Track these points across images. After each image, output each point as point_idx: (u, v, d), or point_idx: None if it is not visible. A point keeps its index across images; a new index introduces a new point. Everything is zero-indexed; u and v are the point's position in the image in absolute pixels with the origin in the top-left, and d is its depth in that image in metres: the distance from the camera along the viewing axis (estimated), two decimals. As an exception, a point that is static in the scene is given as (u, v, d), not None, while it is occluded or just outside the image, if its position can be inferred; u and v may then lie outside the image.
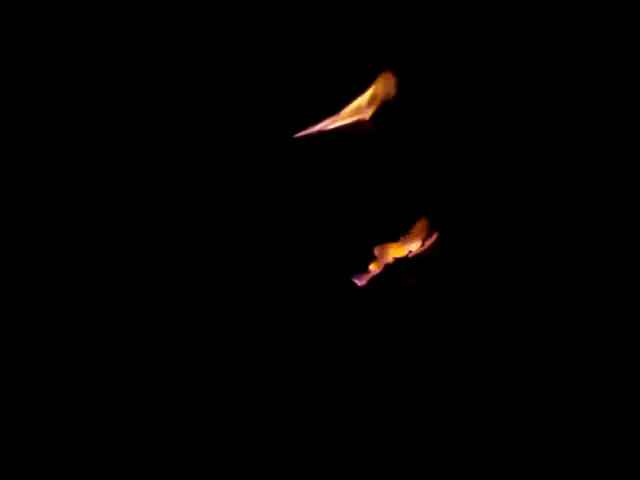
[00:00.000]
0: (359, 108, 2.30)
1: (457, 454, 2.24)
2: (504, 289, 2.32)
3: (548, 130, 2.35)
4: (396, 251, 2.31)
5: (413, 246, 2.31)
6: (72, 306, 2.31)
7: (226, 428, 2.27)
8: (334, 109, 2.31)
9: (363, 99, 2.30)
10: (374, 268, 2.30)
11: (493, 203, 2.35)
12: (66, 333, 2.29)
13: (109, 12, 2.33)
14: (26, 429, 2.24)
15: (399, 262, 2.30)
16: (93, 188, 2.33)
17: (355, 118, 2.31)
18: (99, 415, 2.26)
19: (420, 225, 2.31)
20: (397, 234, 2.31)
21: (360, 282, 2.30)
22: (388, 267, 2.30)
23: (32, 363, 2.28)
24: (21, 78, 2.33)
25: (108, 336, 2.30)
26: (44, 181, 2.33)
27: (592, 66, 2.34)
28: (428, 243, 2.31)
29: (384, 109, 2.31)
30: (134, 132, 2.36)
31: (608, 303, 2.29)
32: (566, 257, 2.33)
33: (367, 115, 2.31)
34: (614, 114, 2.33)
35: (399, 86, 2.31)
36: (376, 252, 2.30)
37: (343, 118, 2.31)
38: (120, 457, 2.24)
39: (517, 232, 2.34)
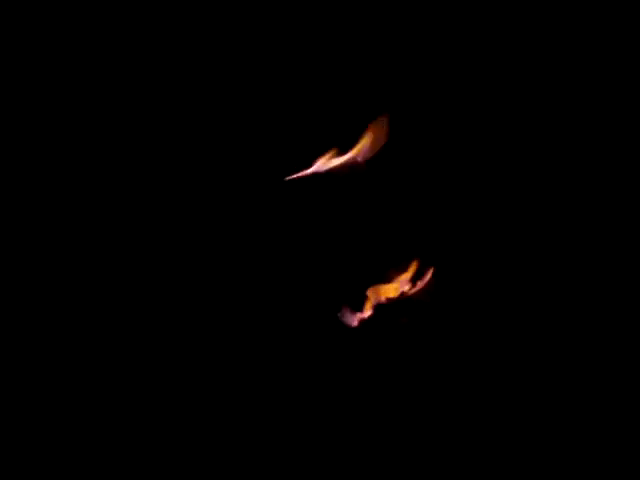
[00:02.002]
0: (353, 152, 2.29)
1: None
2: (499, 328, 2.33)
3: (539, 175, 2.31)
4: (388, 292, 2.32)
5: (406, 287, 2.32)
6: (72, 306, 2.36)
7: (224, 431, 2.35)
8: (324, 152, 2.30)
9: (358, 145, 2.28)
10: (366, 309, 2.32)
11: (485, 242, 2.34)
12: (66, 333, 2.35)
13: (109, 12, 2.32)
14: (26, 429, 2.31)
15: (392, 303, 2.32)
16: (93, 188, 2.37)
17: (348, 161, 2.30)
18: (99, 415, 2.33)
19: (412, 265, 2.32)
20: (389, 275, 2.32)
21: (352, 323, 2.33)
22: (380, 308, 2.32)
23: (32, 363, 2.33)
24: (21, 78, 2.35)
25: (108, 336, 2.36)
26: (44, 181, 2.37)
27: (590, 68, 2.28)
28: (421, 283, 2.32)
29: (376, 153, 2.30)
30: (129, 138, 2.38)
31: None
32: (567, 298, 2.32)
33: (360, 159, 2.29)
34: (614, 117, 2.28)
35: (390, 130, 2.28)
36: (368, 293, 2.32)
37: (336, 161, 2.30)
38: (120, 457, 2.31)
39: (511, 270, 2.34)
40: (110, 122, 2.37)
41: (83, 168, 2.37)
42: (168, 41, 2.34)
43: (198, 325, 2.36)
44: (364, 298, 2.32)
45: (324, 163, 2.30)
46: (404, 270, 2.32)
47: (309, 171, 2.30)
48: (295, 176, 2.31)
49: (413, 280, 2.31)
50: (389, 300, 2.32)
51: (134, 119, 2.36)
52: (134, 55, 2.35)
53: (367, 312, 2.31)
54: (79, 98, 2.36)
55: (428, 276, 2.32)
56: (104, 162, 2.37)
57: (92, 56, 2.35)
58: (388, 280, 2.32)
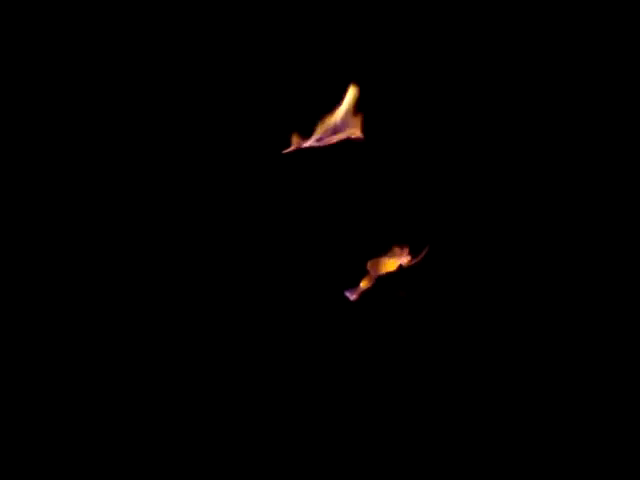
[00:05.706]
0: (347, 123, 2.29)
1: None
2: (496, 300, 2.35)
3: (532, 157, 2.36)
4: (388, 265, 2.33)
5: (404, 260, 2.33)
6: (72, 306, 2.32)
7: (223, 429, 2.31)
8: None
9: (343, 112, 2.28)
10: (366, 282, 2.32)
11: (482, 216, 2.37)
12: (66, 333, 2.30)
13: (109, 12, 2.29)
14: (26, 429, 2.25)
15: (391, 276, 2.32)
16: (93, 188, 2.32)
17: (346, 133, 2.29)
18: (99, 415, 2.27)
19: (411, 240, 2.33)
20: (388, 248, 2.32)
21: (352, 296, 2.32)
22: (380, 281, 2.32)
23: (32, 363, 2.28)
24: (21, 78, 2.31)
25: (108, 336, 2.31)
26: (44, 181, 2.32)
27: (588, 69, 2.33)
28: (418, 257, 2.33)
29: (373, 124, 2.30)
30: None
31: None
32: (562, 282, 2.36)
33: (358, 131, 2.29)
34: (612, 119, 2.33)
35: (386, 99, 2.30)
36: (368, 266, 2.32)
37: (334, 133, 2.29)
38: (120, 457, 2.25)
39: (506, 246, 2.37)
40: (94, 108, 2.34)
41: (82, 167, 2.33)
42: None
43: (196, 293, 2.33)
44: (364, 272, 2.32)
45: (321, 136, 2.29)
46: (403, 244, 2.32)
47: (307, 144, 2.29)
48: (293, 149, 2.30)
49: (412, 254, 2.32)
50: (388, 273, 2.32)
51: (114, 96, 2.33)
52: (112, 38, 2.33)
53: (366, 285, 2.31)
54: (79, 98, 2.32)
55: (426, 250, 2.33)
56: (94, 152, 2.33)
57: (92, 56, 2.32)
58: (388, 254, 2.32)
